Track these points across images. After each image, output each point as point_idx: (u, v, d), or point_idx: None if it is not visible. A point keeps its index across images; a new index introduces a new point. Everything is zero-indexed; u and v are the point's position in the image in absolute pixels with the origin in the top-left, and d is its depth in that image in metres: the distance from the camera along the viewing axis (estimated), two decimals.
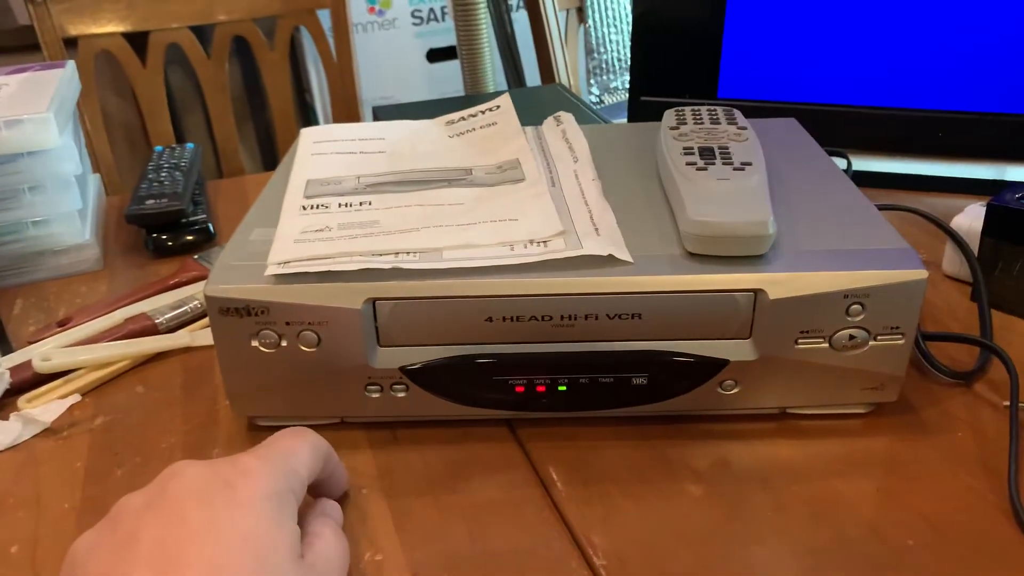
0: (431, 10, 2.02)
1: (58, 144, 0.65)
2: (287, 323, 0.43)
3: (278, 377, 0.45)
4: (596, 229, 0.46)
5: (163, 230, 0.72)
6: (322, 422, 0.48)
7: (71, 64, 0.77)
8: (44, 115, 0.63)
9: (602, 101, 1.74)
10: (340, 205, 0.50)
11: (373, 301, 0.43)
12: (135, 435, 0.49)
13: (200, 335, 0.58)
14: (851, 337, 0.44)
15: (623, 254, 0.44)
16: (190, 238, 0.72)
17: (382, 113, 1.06)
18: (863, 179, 0.74)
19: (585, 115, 0.99)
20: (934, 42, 0.73)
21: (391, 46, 2.01)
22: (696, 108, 0.58)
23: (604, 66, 1.70)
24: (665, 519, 0.41)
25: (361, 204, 0.50)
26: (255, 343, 0.44)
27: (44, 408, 0.51)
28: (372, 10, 1.97)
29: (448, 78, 2.06)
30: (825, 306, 0.43)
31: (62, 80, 0.72)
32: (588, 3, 1.61)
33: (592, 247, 0.44)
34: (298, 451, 0.38)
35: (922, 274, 0.43)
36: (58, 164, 0.66)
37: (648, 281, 0.43)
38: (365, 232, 0.46)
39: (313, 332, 0.44)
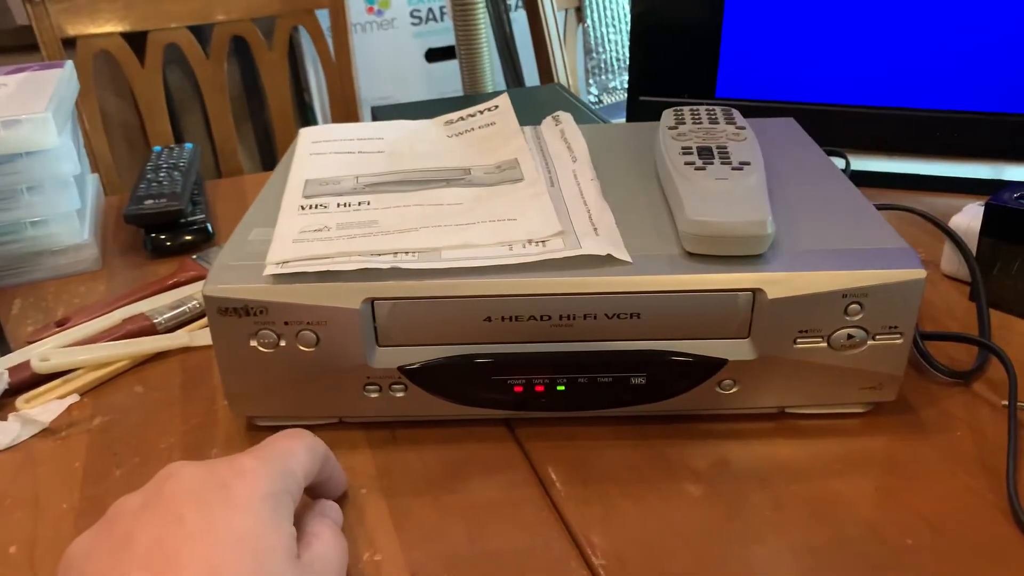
0: (430, 10, 2.02)
1: (56, 144, 0.65)
2: (286, 323, 0.43)
3: (277, 377, 0.45)
4: (595, 229, 0.46)
5: (162, 230, 0.72)
6: (321, 422, 0.48)
7: (69, 64, 0.77)
8: (42, 115, 0.63)
9: (601, 101, 1.74)
10: (339, 205, 0.50)
11: (372, 301, 0.43)
12: (134, 435, 0.49)
13: (199, 335, 0.58)
14: (850, 336, 0.44)
15: (622, 254, 0.44)
16: (189, 238, 0.72)
17: (381, 113, 1.06)
18: (861, 179, 0.74)
19: (584, 115, 0.99)
20: (932, 42, 0.74)
21: (390, 46, 2.01)
22: (695, 108, 0.58)
23: (603, 66, 1.70)
24: (664, 519, 0.42)
25: (360, 204, 0.50)
26: (254, 343, 0.44)
27: (43, 408, 0.51)
28: (371, 10, 1.97)
29: (447, 78, 2.05)
30: (824, 306, 0.43)
31: (60, 80, 0.72)
32: (587, 3, 1.61)
33: (591, 247, 0.44)
34: (295, 452, 0.38)
35: (920, 274, 0.43)
36: (56, 164, 0.66)
37: (647, 281, 0.43)
38: (364, 232, 0.46)
39: (312, 332, 0.44)
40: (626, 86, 0.85)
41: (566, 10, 1.56)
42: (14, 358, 0.56)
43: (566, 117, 0.63)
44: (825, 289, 0.43)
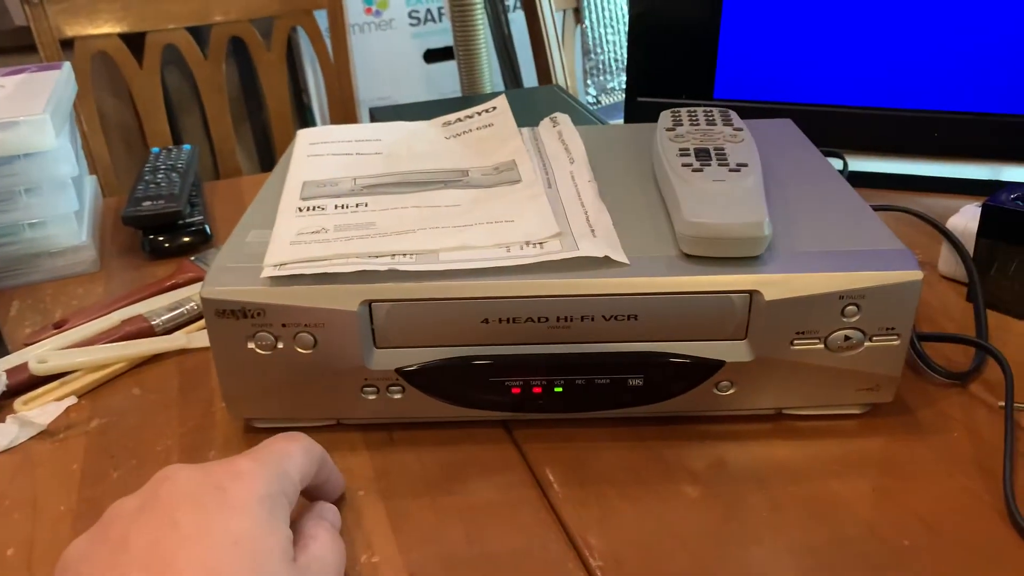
0: (428, 11, 2.02)
1: (54, 146, 0.65)
2: (283, 325, 0.43)
3: (274, 379, 0.45)
4: (592, 230, 0.46)
5: (160, 232, 0.72)
6: (318, 424, 0.48)
7: (67, 65, 0.77)
8: (40, 117, 0.63)
9: (599, 102, 1.74)
10: (336, 207, 0.50)
11: (369, 303, 0.43)
12: (131, 437, 0.49)
13: (196, 337, 0.58)
14: (847, 338, 0.44)
15: (619, 255, 0.44)
16: (187, 239, 0.72)
17: (379, 114, 1.06)
18: (859, 180, 0.74)
19: (582, 116, 0.99)
20: (930, 42, 0.74)
21: (388, 47, 2.01)
22: (692, 109, 0.58)
23: (601, 67, 1.70)
24: (662, 520, 0.42)
25: (357, 206, 0.50)
26: (251, 345, 0.44)
27: (40, 410, 0.51)
28: (369, 11, 1.97)
29: (445, 79, 2.05)
30: (821, 307, 0.43)
31: (58, 81, 0.72)
32: (585, 4, 1.61)
33: (588, 248, 0.44)
34: (291, 454, 0.38)
35: (917, 275, 0.43)
36: (54, 166, 0.66)
37: (644, 282, 0.43)
38: (361, 234, 0.46)
39: (309, 334, 0.44)
40: (624, 87, 0.85)
41: (564, 11, 1.56)
42: (12, 360, 0.56)
43: (564, 118, 0.63)
44: (822, 291, 0.43)
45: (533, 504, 0.43)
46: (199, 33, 1.31)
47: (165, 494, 0.34)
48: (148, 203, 0.72)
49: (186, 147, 0.85)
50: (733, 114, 0.57)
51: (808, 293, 0.43)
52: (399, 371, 0.45)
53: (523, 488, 0.44)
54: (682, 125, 0.56)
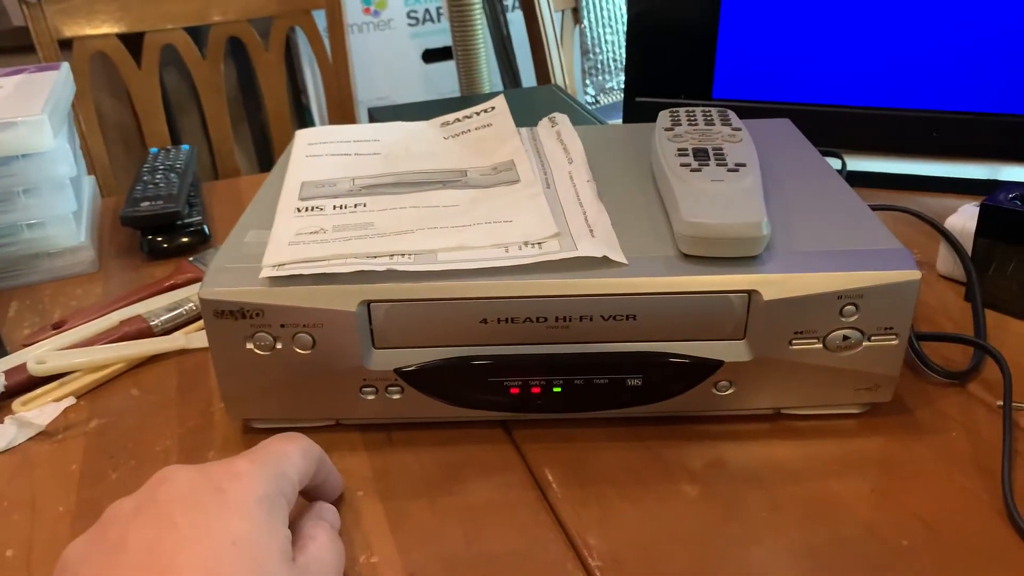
0: (426, 11, 2.02)
1: (52, 147, 0.65)
2: (282, 325, 0.43)
3: (273, 379, 0.45)
4: (591, 230, 0.46)
5: (158, 232, 0.72)
6: (317, 424, 0.48)
7: (65, 66, 0.77)
8: (38, 117, 0.63)
9: (598, 101, 1.74)
10: (335, 207, 0.50)
11: (368, 303, 0.43)
12: (130, 438, 0.49)
13: (195, 337, 0.58)
14: (845, 338, 0.44)
15: (618, 255, 0.44)
16: (185, 240, 0.72)
17: (377, 114, 1.06)
18: (857, 179, 0.75)
19: (581, 116, 0.99)
20: (928, 42, 0.74)
21: (387, 47, 2.01)
22: (690, 109, 0.58)
23: (600, 67, 1.70)
24: (661, 520, 0.42)
25: (356, 206, 0.50)
26: (250, 345, 0.44)
27: (39, 411, 0.51)
28: (367, 11, 1.97)
29: (444, 79, 2.05)
30: (819, 307, 0.43)
31: (57, 82, 0.71)
32: (584, 4, 1.61)
33: (587, 249, 0.44)
34: (289, 455, 0.38)
35: (915, 275, 0.43)
36: (53, 167, 0.66)
37: (643, 282, 0.43)
38: (360, 234, 0.46)
39: (308, 334, 0.44)
40: (623, 87, 0.85)
41: (563, 11, 1.56)
42: (10, 360, 0.56)
43: (562, 118, 0.63)
44: (820, 290, 0.43)
45: (532, 504, 0.43)
46: (197, 33, 1.31)
47: (163, 495, 0.34)
48: (146, 203, 0.72)
49: (184, 147, 0.85)
50: (731, 114, 0.57)
51: (806, 293, 0.43)
52: (398, 371, 0.45)
53: (522, 488, 0.44)
54: (680, 125, 0.56)
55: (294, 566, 0.34)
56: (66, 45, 1.23)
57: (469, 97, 1.51)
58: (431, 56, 2.06)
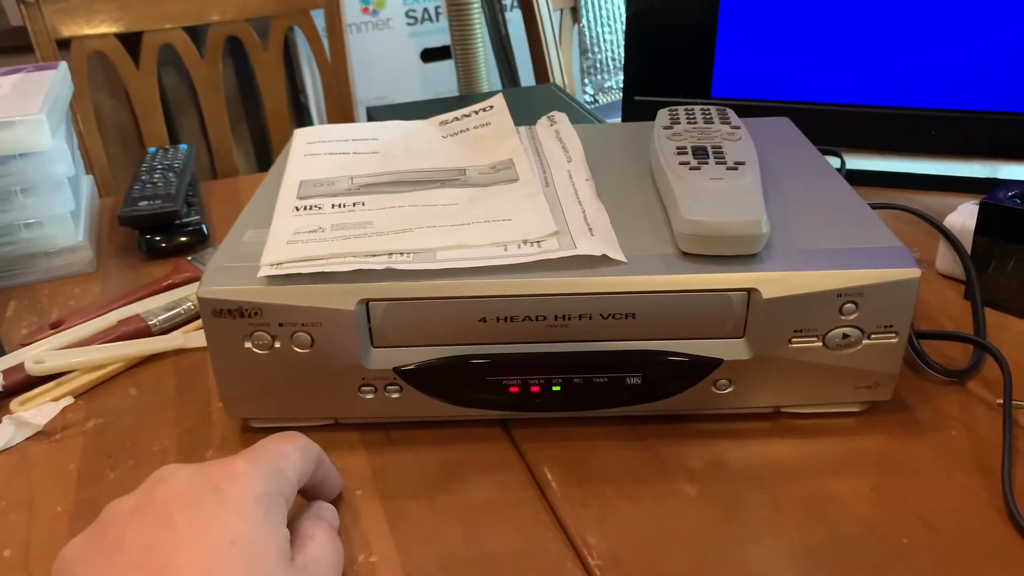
0: (425, 10, 2.02)
1: (50, 146, 0.64)
2: (280, 324, 0.43)
3: (271, 379, 0.45)
4: (590, 229, 0.46)
5: (156, 231, 0.72)
6: (316, 423, 0.48)
7: (63, 65, 0.77)
8: (36, 117, 0.63)
9: (596, 100, 1.74)
10: (333, 206, 0.50)
11: (366, 302, 0.43)
12: (128, 438, 0.49)
13: (193, 337, 0.58)
14: (845, 336, 0.44)
15: (617, 254, 0.44)
16: (183, 239, 0.72)
17: (376, 113, 1.06)
18: (856, 178, 0.74)
19: (579, 115, 0.99)
20: (927, 40, 0.74)
21: (385, 46, 2.01)
22: (689, 107, 0.58)
23: (598, 66, 1.70)
24: (660, 519, 0.41)
25: (354, 205, 0.50)
26: (248, 345, 0.44)
27: (37, 411, 0.51)
28: (366, 10, 1.97)
29: (442, 78, 2.05)
30: (819, 305, 0.43)
31: (54, 81, 0.71)
32: (582, 3, 1.61)
33: (586, 247, 0.44)
34: (287, 454, 0.38)
35: (915, 273, 0.43)
36: (50, 166, 0.66)
37: (642, 281, 0.43)
38: (358, 233, 0.46)
39: (306, 333, 0.44)
40: (621, 86, 0.85)
41: (561, 10, 1.56)
42: (8, 360, 0.56)
43: (561, 117, 0.63)
44: (820, 288, 0.43)
45: (531, 504, 0.43)
46: (196, 33, 1.31)
47: (161, 494, 0.34)
48: (145, 203, 0.72)
49: (182, 147, 0.85)
50: (731, 112, 0.57)
51: (806, 291, 0.43)
52: (397, 370, 0.45)
53: (521, 487, 0.44)
54: (679, 123, 0.55)
55: (293, 565, 0.34)
56: (64, 45, 1.23)
57: (468, 96, 1.51)
58: (430, 55, 2.06)
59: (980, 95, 0.74)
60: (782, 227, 0.47)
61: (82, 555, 0.33)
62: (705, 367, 0.45)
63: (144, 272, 0.69)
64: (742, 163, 0.48)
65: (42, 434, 0.50)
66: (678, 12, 0.80)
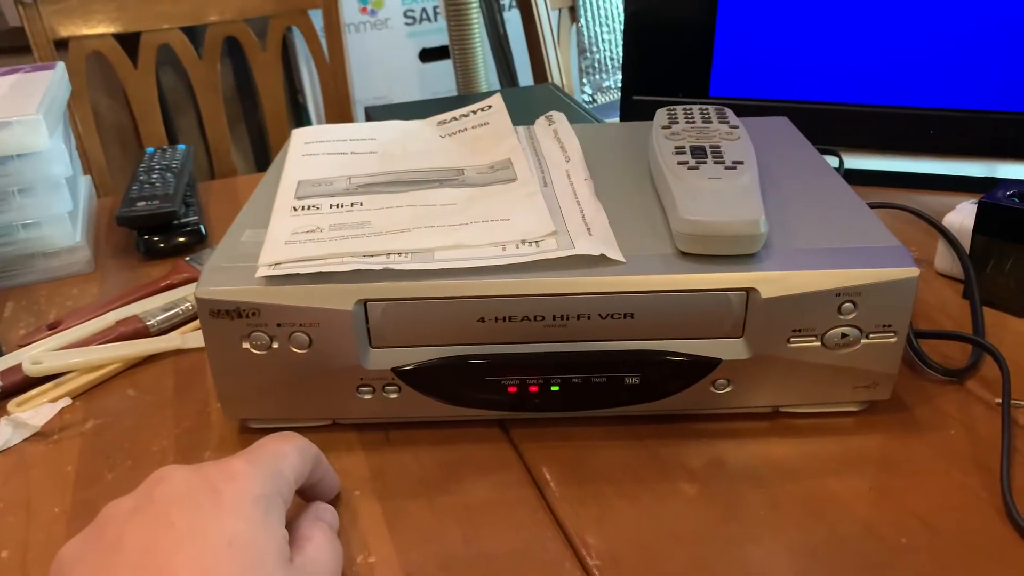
0: (423, 10, 2.02)
1: (48, 146, 0.64)
2: (278, 325, 0.43)
3: (270, 379, 0.45)
4: (588, 229, 0.46)
5: (154, 232, 0.71)
6: (314, 424, 0.48)
7: (61, 65, 0.77)
8: (34, 117, 0.63)
9: (595, 100, 1.74)
10: (331, 206, 0.50)
11: (364, 302, 0.43)
12: (126, 438, 0.49)
13: (191, 337, 0.58)
14: (843, 335, 0.44)
15: (615, 254, 0.44)
16: (182, 240, 0.72)
17: (374, 113, 1.06)
18: (855, 177, 0.74)
19: (578, 114, 0.99)
20: (925, 40, 0.74)
21: (383, 46, 2.01)
22: (688, 107, 0.58)
23: (597, 65, 1.70)
24: (659, 519, 0.41)
25: (352, 205, 0.50)
26: (246, 345, 0.44)
27: (34, 412, 0.51)
28: (364, 10, 1.97)
29: (441, 78, 2.05)
30: (817, 305, 0.43)
31: (52, 82, 0.71)
32: (580, 2, 1.61)
33: (584, 247, 0.44)
34: (286, 454, 0.38)
35: (913, 272, 0.43)
36: (48, 166, 0.66)
37: (640, 281, 0.43)
38: (356, 233, 0.46)
39: (304, 334, 0.43)
40: (620, 85, 0.85)
41: (560, 9, 1.56)
42: (6, 361, 0.56)
43: (559, 117, 0.63)
44: (818, 288, 0.43)
45: (530, 503, 0.43)
46: (194, 33, 1.31)
47: (159, 495, 0.34)
48: (143, 203, 0.72)
49: (180, 147, 0.85)
50: (729, 112, 0.57)
51: (805, 291, 0.43)
52: (395, 371, 0.45)
53: (520, 487, 0.44)
54: (678, 123, 0.55)
55: (291, 566, 0.34)
56: (62, 45, 1.23)
57: (466, 96, 1.50)
58: (428, 55, 2.06)
59: (979, 94, 0.74)
60: (780, 227, 0.47)
61: (80, 556, 0.33)
62: (704, 367, 0.45)
63: (142, 272, 0.69)
64: (740, 163, 0.48)
65: (40, 435, 0.50)
66: (676, 11, 0.80)
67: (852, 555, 0.39)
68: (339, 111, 1.41)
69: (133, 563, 0.31)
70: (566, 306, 0.43)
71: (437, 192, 0.51)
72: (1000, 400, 0.48)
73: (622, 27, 0.96)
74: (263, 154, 2.05)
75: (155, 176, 0.77)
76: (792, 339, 0.44)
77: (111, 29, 1.24)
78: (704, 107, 0.58)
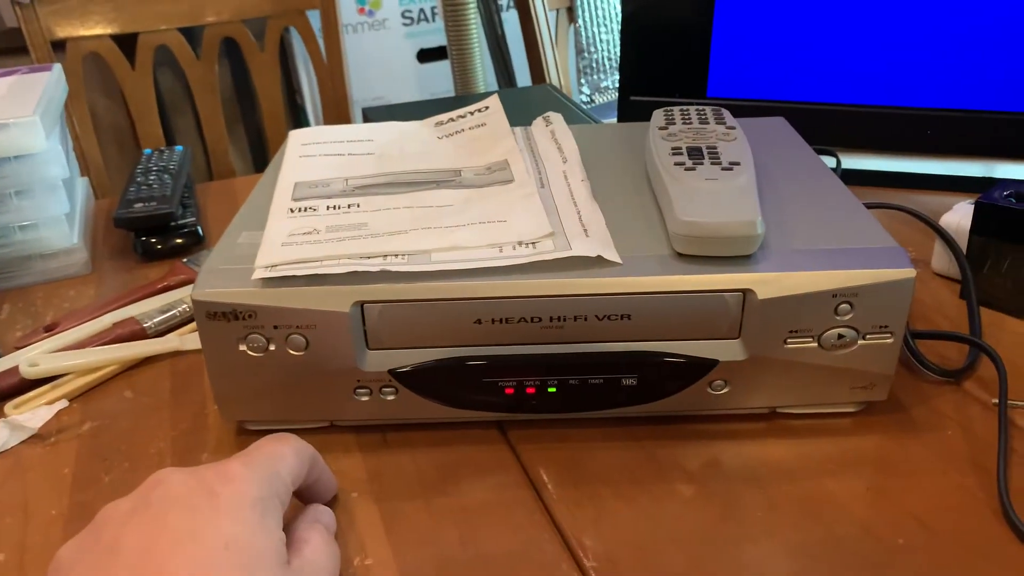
0: (421, 10, 2.02)
1: (44, 148, 0.64)
2: (275, 327, 0.43)
3: (266, 381, 0.45)
4: (585, 230, 0.46)
5: (152, 233, 0.71)
6: (311, 426, 0.48)
7: (58, 67, 0.77)
8: (30, 119, 0.63)
9: (593, 100, 1.74)
10: (328, 207, 0.50)
11: (361, 304, 0.43)
12: (123, 441, 0.49)
13: (189, 339, 0.58)
14: (840, 336, 0.44)
15: (612, 255, 0.44)
16: (179, 241, 0.72)
17: (372, 114, 1.06)
18: (852, 177, 0.75)
19: (575, 115, 0.99)
20: (923, 40, 0.74)
21: (381, 47, 2.01)
22: (685, 108, 0.58)
23: (595, 65, 1.70)
24: (656, 520, 0.41)
25: (349, 206, 0.50)
26: (243, 347, 0.44)
27: (31, 414, 0.51)
28: (362, 11, 1.97)
29: (439, 78, 2.05)
30: (814, 305, 0.43)
31: (49, 83, 0.71)
32: (578, 3, 1.61)
33: (581, 248, 0.44)
34: (282, 456, 0.38)
35: (910, 273, 0.43)
36: (45, 168, 0.66)
37: (637, 282, 0.43)
38: (353, 234, 0.46)
39: (301, 336, 0.43)
40: (618, 86, 0.85)
41: (557, 10, 1.56)
42: (3, 363, 0.56)
43: (556, 118, 0.63)
44: (815, 289, 0.43)
45: (527, 505, 0.43)
46: (191, 34, 1.30)
47: (157, 498, 0.34)
48: (140, 205, 0.72)
49: (178, 148, 0.84)
50: (726, 112, 0.57)
51: (801, 292, 0.43)
52: (392, 372, 0.45)
53: (517, 489, 0.44)
54: (674, 124, 0.55)
55: (288, 569, 0.34)
56: (59, 46, 1.23)
57: (464, 97, 1.50)
58: (426, 56, 2.06)
59: (976, 94, 0.74)
60: (777, 227, 0.47)
61: (77, 558, 0.33)
62: (701, 368, 0.45)
63: (139, 274, 0.69)
64: (737, 163, 0.48)
65: (37, 437, 0.50)
66: (674, 12, 0.80)
67: (849, 556, 0.39)
68: (337, 112, 1.41)
69: (130, 565, 0.31)
70: (563, 307, 0.43)
71: (434, 193, 0.51)
72: (997, 400, 0.48)
73: (620, 27, 0.96)
74: (261, 155, 2.05)
75: (152, 177, 0.77)
76: (789, 340, 0.44)
77: (108, 30, 1.24)
78: (701, 108, 0.58)
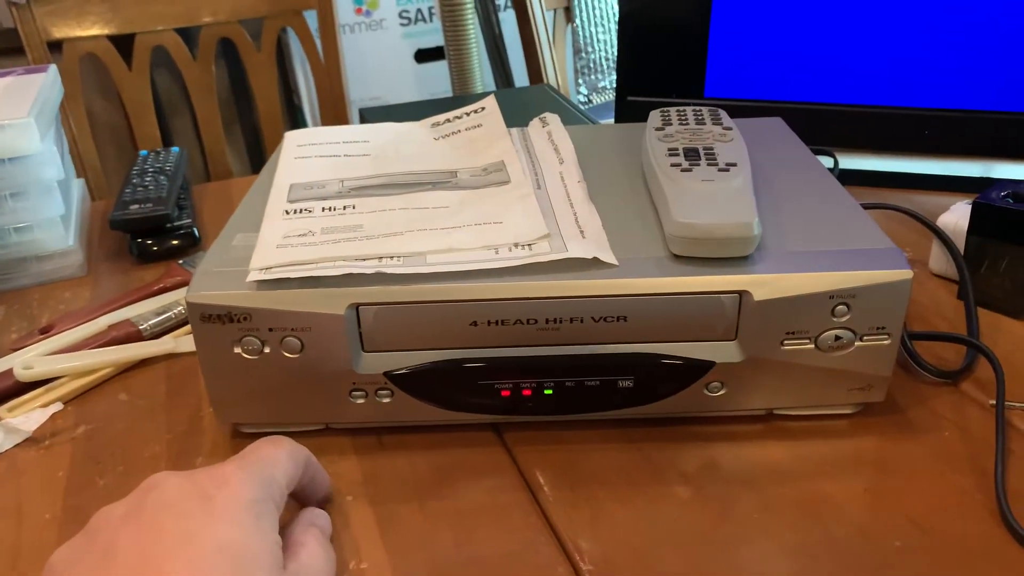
0: (419, 11, 2.01)
1: (39, 149, 0.64)
2: (270, 329, 0.43)
3: (262, 384, 0.45)
4: (581, 232, 0.46)
5: (148, 235, 0.71)
6: (307, 428, 0.48)
7: (53, 68, 0.77)
8: (25, 120, 0.63)
9: (590, 101, 1.73)
10: (323, 209, 0.49)
11: (356, 306, 0.43)
12: (118, 444, 0.49)
13: (184, 341, 0.58)
14: (837, 338, 0.44)
15: (608, 257, 0.44)
16: (175, 243, 0.71)
17: (369, 115, 1.06)
18: (849, 178, 0.74)
19: (573, 115, 0.99)
20: (920, 40, 0.74)
21: (379, 47, 2.01)
22: (681, 108, 0.58)
23: (592, 66, 1.70)
24: (653, 522, 0.41)
25: (344, 208, 0.50)
26: (238, 350, 0.44)
27: (26, 417, 0.51)
28: (359, 11, 1.97)
29: (436, 78, 2.05)
30: (811, 307, 0.43)
31: (44, 85, 0.71)
32: (575, 3, 1.60)
33: (577, 250, 0.44)
34: (277, 459, 0.38)
35: (907, 274, 0.42)
36: (40, 170, 0.65)
37: (633, 284, 0.43)
38: (348, 236, 0.46)
39: (296, 338, 0.43)
40: (615, 86, 0.85)
41: (555, 10, 1.56)
42: None
43: (553, 118, 0.63)
44: (812, 290, 0.42)
45: (523, 507, 0.43)
46: (188, 34, 1.30)
47: (152, 502, 0.33)
48: (135, 206, 0.71)
49: (174, 149, 0.84)
50: (722, 113, 0.57)
51: (798, 293, 0.42)
52: (387, 375, 0.45)
53: (513, 491, 0.44)
54: (671, 125, 0.55)
55: (284, 573, 0.34)
56: (56, 47, 1.22)
57: (461, 97, 1.50)
58: (423, 56, 2.05)
59: (973, 94, 0.74)
60: (774, 228, 0.46)
61: (72, 561, 0.33)
62: (697, 370, 0.45)
63: (135, 276, 0.69)
64: (734, 164, 0.48)
65: (31, 440, 0.50)
66: (671, 12, 0.80)
67: (846, 557, 0.39)
68: (334, 112, 1.41)
69: (125, 569, 0.31)
70: (559, 309, 0.43)
71: (430, 195, 0.51)
72: (994, 402, 0.48)
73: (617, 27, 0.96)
74: (258, 155, 2.05)
75: (148, 179, 0.77)
76: (786, 341, 0.44)
77: (105, 31, 1.24)
78: (697, 108, 0.58)
